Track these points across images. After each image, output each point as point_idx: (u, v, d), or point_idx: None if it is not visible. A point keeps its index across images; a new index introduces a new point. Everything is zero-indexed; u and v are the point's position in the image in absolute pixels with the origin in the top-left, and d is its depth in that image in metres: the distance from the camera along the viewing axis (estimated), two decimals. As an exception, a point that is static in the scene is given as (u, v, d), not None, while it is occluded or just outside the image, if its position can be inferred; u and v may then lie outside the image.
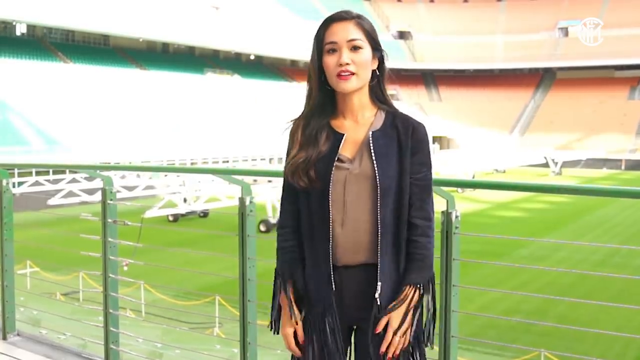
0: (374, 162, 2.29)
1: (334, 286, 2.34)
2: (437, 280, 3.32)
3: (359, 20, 2.33)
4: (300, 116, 2.43)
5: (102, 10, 50.54)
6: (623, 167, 55.93)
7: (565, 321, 13.91)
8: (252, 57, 68.68)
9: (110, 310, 4.47)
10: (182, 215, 26.54)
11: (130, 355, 4.64)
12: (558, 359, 10.81)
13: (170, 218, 26.03)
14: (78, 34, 54.63)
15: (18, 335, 5.21)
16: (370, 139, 2.33)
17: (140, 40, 57.11)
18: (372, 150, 2.31)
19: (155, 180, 28.36)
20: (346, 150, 2.35)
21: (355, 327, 2.47)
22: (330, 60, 2.30)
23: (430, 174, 2.41)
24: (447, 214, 3.26)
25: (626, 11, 69.68)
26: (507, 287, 16.87)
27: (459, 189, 33.06)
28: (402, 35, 79.54)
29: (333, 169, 2.31)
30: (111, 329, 4.46)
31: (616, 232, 25.38)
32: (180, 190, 26.64)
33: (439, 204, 3.28)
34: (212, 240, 20.06)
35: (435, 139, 62.94)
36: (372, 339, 2.35)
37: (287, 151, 2.42)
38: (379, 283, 2.32)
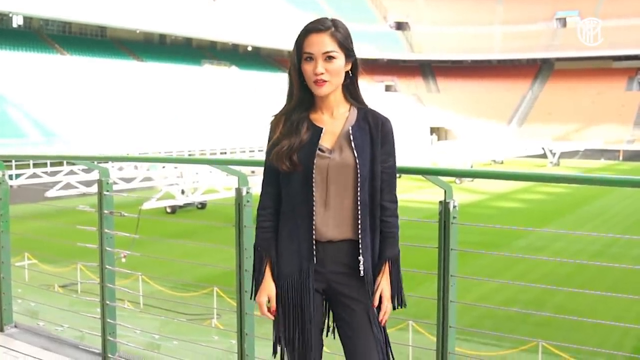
0: (355, 153, 2.60)
1: (315, 259, 2.64)
2: (435, 271, 3.32)
3: (334, 31, 2.59)
4: (281, 111, 2.72)
5: (98, 2, 50.39)
6: (621, 157, 56.00)
7: (563, 311, 13.94)
8: (249, 48, 68.60)
9: (107, 302, 4.46)
10: (180, 206, 26.54)
11: (128, 347, 4.63)
12: (556, 349, 10.84)
13: (168, 210, 26.01)
14: (75, 25, 54.48)
15: (15, 327, 5.20)
16: (351, 133, 2.63)
17: (137, 31, 56.98)
18: (353, 143, 2.62)
19: (152, 171, 28.34)
20: (325, 141, 2.64)
21: (328, 297, 2.74)
22: (307, 68, 2.59)
23: (395, 162, 2.74)
24: (444, 204, 3.24)
25: (624, 2, 69.57)
26: (505, 277, 16.90)
27: (457, 180, 33.08)
28: (400, 26, 79.44)
29: (316, 157, 2.60)
30: (108, 320, 4.44)
31: (614, 222, 25.42)
32: (178, 181, 26.63)
33: (436, 195, 3.27)
34: (210, 231, 20.05)
35: (433, 129, 62.93)
36: (365, 309, 2.67)
37: (269, 140, 2.70)
38: (361, 257, 2.64)
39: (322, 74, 2.56)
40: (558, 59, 72.89)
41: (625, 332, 13.23)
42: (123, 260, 12.51)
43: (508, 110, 69.03)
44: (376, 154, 2.63)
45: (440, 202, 3.26)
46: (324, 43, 2.56)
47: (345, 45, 2.61)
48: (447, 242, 3.24)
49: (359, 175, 2.58)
